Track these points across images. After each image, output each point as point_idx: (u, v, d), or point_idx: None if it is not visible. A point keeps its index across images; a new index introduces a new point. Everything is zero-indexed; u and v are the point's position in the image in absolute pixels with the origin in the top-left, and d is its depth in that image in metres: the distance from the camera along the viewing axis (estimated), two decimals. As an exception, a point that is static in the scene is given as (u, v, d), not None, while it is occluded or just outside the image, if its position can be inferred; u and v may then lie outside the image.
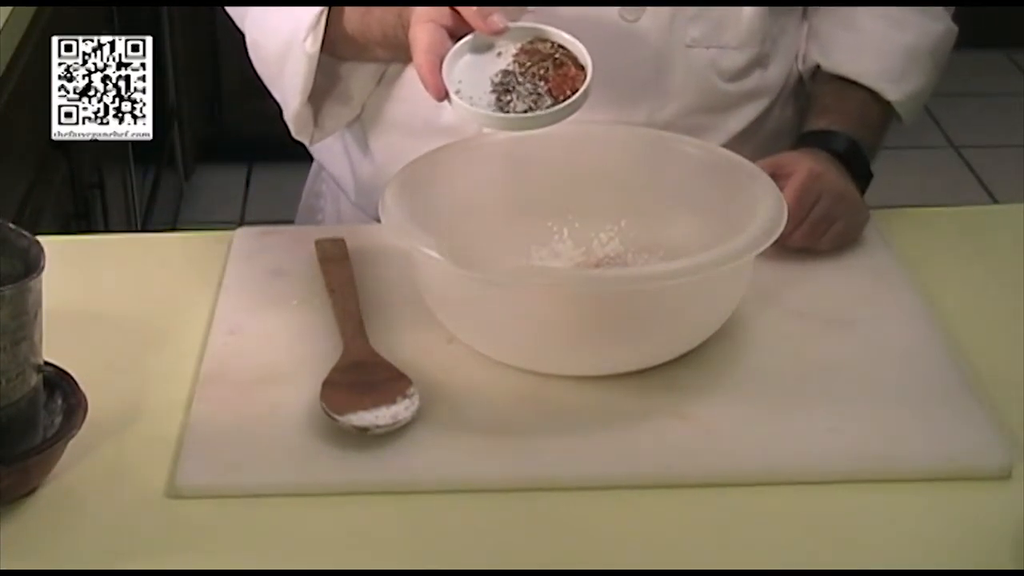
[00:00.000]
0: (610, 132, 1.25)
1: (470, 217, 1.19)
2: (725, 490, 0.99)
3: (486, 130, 1.08)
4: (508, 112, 1.05)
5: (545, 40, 1.09)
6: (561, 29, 1.09)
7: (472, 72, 1.07)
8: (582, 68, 1.07)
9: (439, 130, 1.27)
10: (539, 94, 1.06)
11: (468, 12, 1.07)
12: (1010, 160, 3.42)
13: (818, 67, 1.37)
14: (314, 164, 1.52)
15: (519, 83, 1.06)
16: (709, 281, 1.06)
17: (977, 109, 3.65)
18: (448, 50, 1.07)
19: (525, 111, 1.05)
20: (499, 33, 1.08)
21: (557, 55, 1.08)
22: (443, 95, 1.06)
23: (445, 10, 1.08)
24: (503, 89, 1.06)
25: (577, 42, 1.08)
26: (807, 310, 1.17)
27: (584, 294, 1.06)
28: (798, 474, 1.00)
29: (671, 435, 1.03)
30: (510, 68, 1.08)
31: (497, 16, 1.08)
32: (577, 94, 1.05)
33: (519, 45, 1.09)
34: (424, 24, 1.08)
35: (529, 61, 1.08)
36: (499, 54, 1.09)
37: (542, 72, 1.07)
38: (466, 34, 1.09)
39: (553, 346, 1.08)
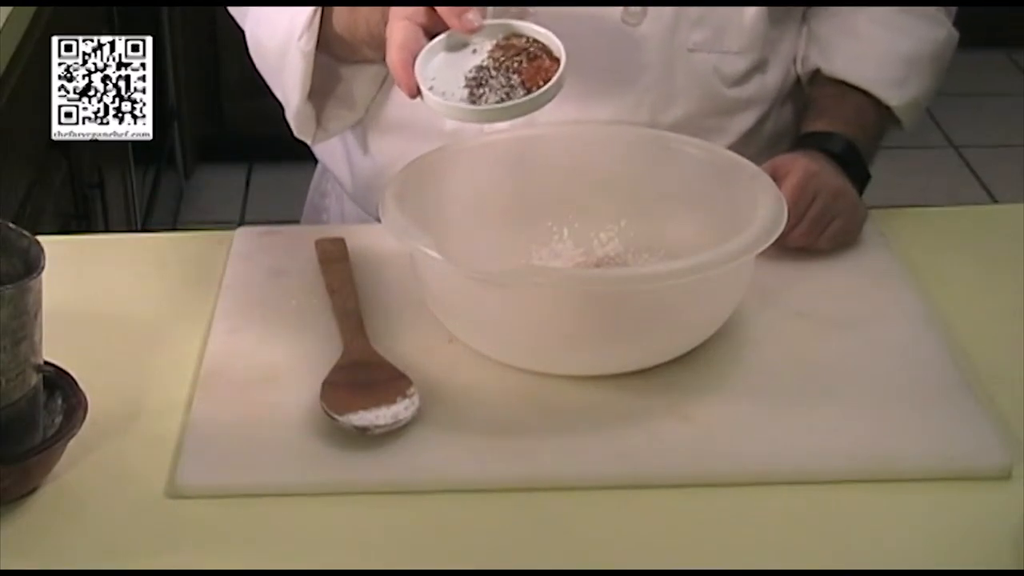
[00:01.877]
0: (610, 132, 1.25)
1: (470, 217, 1.19)
2: (725, 490, 0.99)
3: (457, 123, 1.08)
4: (480, 105, 1.05)
5: (520, 35, 1.09)
6: (562, 33, 1.09)
7: (446, 69, 1.07)
8: (556, 60, 1.07)
9: (441, 133, 1.27)
10: (512, 86, 1.05)
11: (443, 10, 1.07)
12: (1010, 160, 3.42)
13: (817, 71, 1.37)
14: (320, 163, 1.52)
15: (492, 77, 1.06)
16: (709, 281, 1.06)
17: (977, 109, 3.65)
18: (422, 47, 1.07)
19: (497, 103, 1.05)
20: (474, 31, 1.08)
21: (531, 48, 1.08)
22: (415, 91, 1.06)
23: (420, 7, 1.08)
24: (476, 83, 1.06)
25: (551, 35, 1.08)
26: (807, 310, 1.17)
27: (584, 294, 1.06)
28: (798, 474, 1.00)
29: (671, 435, 1.03)
30: (484, 64, 1.07)
31: (472, 14, 1.08)
32: (549, 84, 1.05)
33: (494, 41, 1.09)
34: (399, 21, 1.08)
35: (503, 56, 1.07)
36: (474, 51, 1.08)
37: (515, 65, 1.07)
38: (441, 31, 1.09)
39: (553, 346, 1.08)
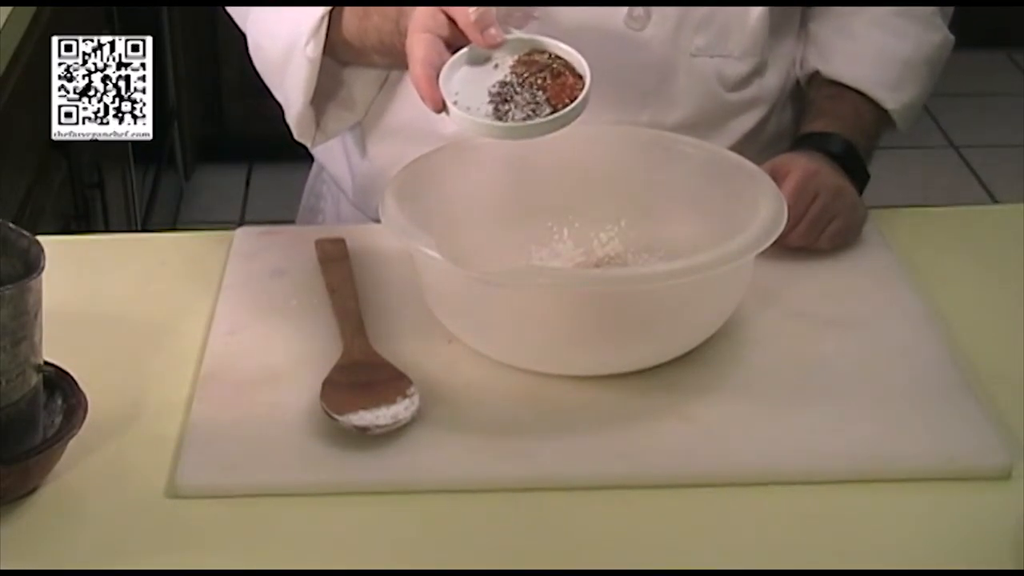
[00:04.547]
0: (610, 132, 1.25)
1: (470, 217, 1.19)
2: (725, 490, 0.99)
3: (455, 127, 1.08)
4: (506, 121, 1.05)
5: (542, 51, 1.09)
6: (566, 36, 1.09)
7: (469, 83, 1.07)
8: (580, 77, 1.07)
9: (439, 137, 1.27)
10: (537, 103, 1.05)
11: (465, 25, 1.07)
12: (1010, 160, 3.42)
13: (816, 72, 1.37)
14: (315, 165, 1.52)
15: (517, 93, 1.06)
16: (709, 281, 1.06)
17: (977, 109, 3.65)
18: (444, 61, 1.07)
19: (524, 120, 1.05)
20: (496, 46, 1.08)
21: (555, 65, 1.08)
22: (440, 106, 1.06)
23: (442, 20, 1.08)
24: (501, 99, 1.06)
25: (574, 52, 1.08)
26: (807, 310, 1.17)
27: (584, 294, 1.06)
28: (798, 474, 1.00)
29: (671, 435, 1.03)
30: (507, 79, 1.07)
31: (494, 29, 1.07)
32: (576, 101, 1.05)
33: (516, 57, 1.09)
34: (420, 35, 1.07)
35: (527, 72, 1.07)
36: (496, 66, 1.08)
37: (540, 82, 1.06)
38: (463, 46, 1.08)
39: (553, 346, 1.08)
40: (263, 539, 0.95)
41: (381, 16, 1.17)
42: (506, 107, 1.05)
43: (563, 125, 1.05)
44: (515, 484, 0.99)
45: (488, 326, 1.09)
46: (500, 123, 1.05)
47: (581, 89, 1.06)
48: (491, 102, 1.06)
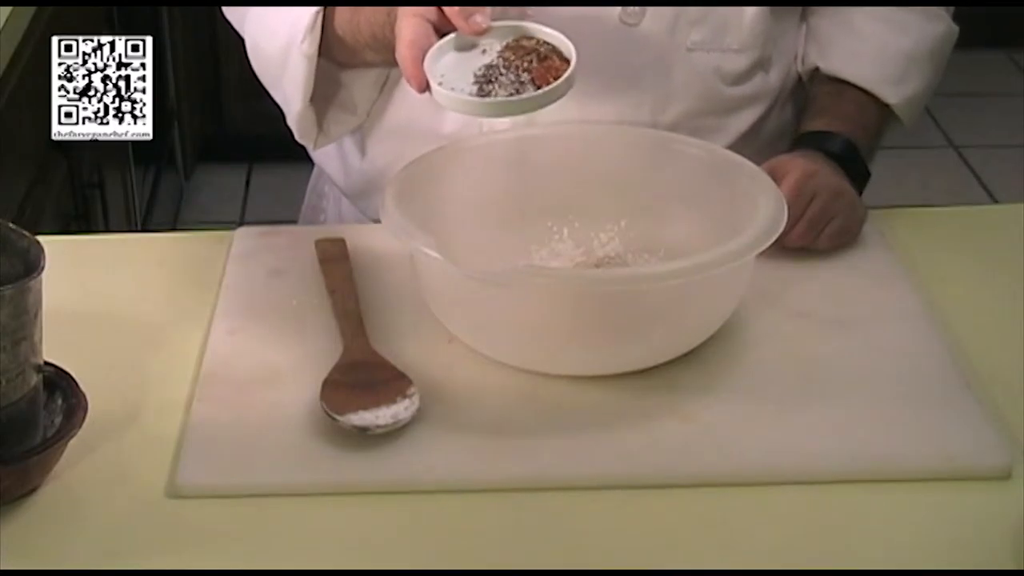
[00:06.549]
0: (610, 132, 1.25)
1: (470, 217, 1.19)
2: (725, 490, 0.99)
3: (455, 126, 1.08)
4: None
5: (530, 38, 1.09)
6: (561, 32, 1.09)
7: (456, 67, 1.07)
8: (567, 61, 1.07)
9: (438, 137, 1.27)
10: (522, 83, 1.05)
11: (451, 12, 1.07)
12: (1010, 160, 3.42)
13: (817, 69, 1.37)
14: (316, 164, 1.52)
15: (502, 74, 1.06)
16: (709, 281, 1.06)
17: (977, 109, 3.64)
18: (431, 44, 1.07)
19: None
20: (481, 33, 1.08)
21: (541, 50, 1.08)
22: (424, 86, 1.06)
23: (431, 6, 1.08)
24: (485, 80, 1.06)
25: (562, 36, 1.08)
26: (807, 310, 1.17)
27: (584, 294, 1.06)
28: (798, 474, 1.00)
29: (671, 435, 1.03)
30: (494, 63, 1.07)
31: (479, 16, 1.08)
32: (560, 80, 1.05)
33: (504, 43, 1.09)
34: (409, 18, 1.08)
35: (514, 56, 1.07)
36: (483, 52, 1.09)
37: (526, 65, 1.07)
38: (452, 31, 1.09)
39: (553, 346, 1.08)
40: (263, 539, 0.95)
41: (372, 10, 1.17)
42: (490, 87, 1.05)
43: (545, 104, 1.05)
44: (515, 484, 0.99)
45: (488, 326, 1.09)
46: (480, 99, 1.05)
47: (566, 71, 1.06)
48: (476, 83, 1.06)
